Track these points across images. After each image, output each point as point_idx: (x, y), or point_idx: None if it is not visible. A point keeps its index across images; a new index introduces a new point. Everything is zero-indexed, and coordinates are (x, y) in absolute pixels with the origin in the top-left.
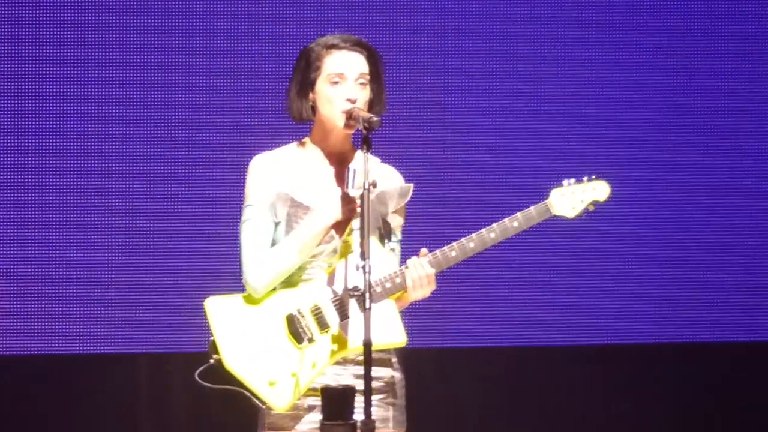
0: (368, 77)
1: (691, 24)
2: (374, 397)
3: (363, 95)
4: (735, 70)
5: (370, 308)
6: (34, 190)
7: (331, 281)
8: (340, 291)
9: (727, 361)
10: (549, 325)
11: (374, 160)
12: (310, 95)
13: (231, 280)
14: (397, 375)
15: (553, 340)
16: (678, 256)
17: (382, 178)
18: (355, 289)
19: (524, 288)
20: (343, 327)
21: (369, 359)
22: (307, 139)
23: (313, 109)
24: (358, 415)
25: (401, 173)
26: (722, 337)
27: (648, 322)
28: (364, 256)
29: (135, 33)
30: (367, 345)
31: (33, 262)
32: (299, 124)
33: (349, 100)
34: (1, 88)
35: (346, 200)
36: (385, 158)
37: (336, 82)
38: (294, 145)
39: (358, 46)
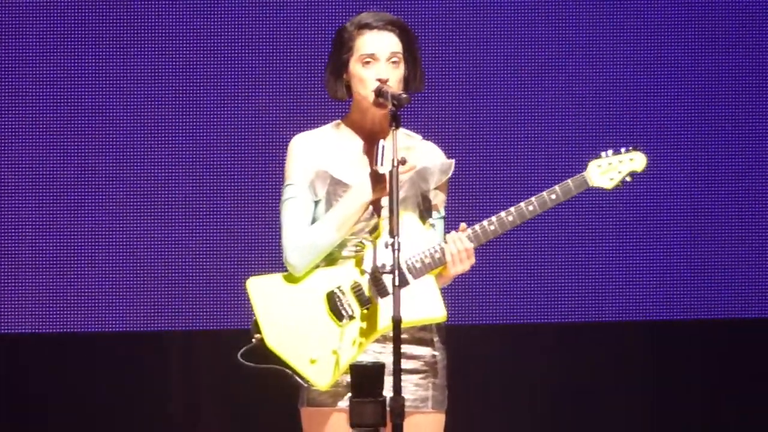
0: (401, 56)
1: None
2: (414, 377)
3: (395, 74)
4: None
5: (398, 285)
6: (70, 169)
7: (370, 258)
8: (379, 268)
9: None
10: (589, 300)
11: (415, 137)
12: (345, 75)
13: (269, 258)
14: (439, 354)
15: (592, 316)
16: (712, 231)
17: (422, 155)
18: (384, 266)
19: (561, 263)
20: (383, 304)
21: (398, 336)
22: (345, 118)
23: (349, 88)
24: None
25: (440, 148)
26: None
27: (682, 298)
28: (392, 233)
29: (176, 12)
30: (396, 322)
31: (65, 242)
32: (336, 102)
33: (379, 80)
34: (37, 74)
35: (379, 178)
36: (424, 134)
37: (368, 62)
38: (333, 124)
39: (390, 24)
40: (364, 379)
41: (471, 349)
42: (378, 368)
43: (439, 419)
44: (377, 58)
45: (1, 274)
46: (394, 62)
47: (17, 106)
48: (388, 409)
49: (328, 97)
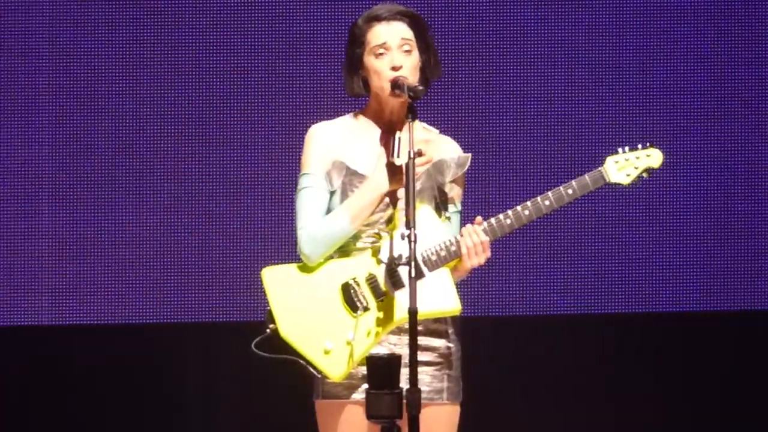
0: (412, 43)
1: None
2: (429, 369)
3: (408, 61)
4: None
5: (415, 277)
6: (88, 158)
7: (386, 250)
8: (395, 259)
9: None
10: (607, 292)
11: (433, 131)
12: (360, 71)
13: (284, 248)
14: (453, 346)
15: (607, 308)
16: (729, 223)
17: (439, 148)
18: (401, 254)
19: (578, 255)
20: (398, 296)
21: (414, 327)
22: (363, 110)
23: (366, 84)
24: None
25: (457, 142)
26: None
27: (696, 290)
28: (408, 224)
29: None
30: (413, 313)
31: (81, 232)
32: (354, 98)
33: (394, 68)
34: (67, 59)
35: (395, 169)
36: (441, 128)
37: (381, 54)
38: (351, 115)
39: (399, 14)
40: (381, 371)
41: (486, 341)
42: (394, 360)
43: (454, 411)
44: (389, 47)
45: (20, 266)
46: (406, 50)
47: (42, 103)
48: (404, 401)
49: (345, 89)
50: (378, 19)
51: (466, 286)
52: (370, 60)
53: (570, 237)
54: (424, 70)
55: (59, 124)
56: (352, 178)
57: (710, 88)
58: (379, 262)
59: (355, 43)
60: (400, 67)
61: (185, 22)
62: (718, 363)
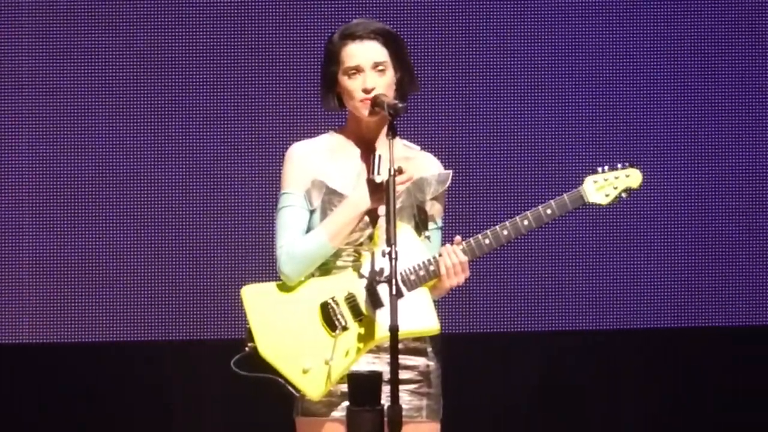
0: (386, 63)
1: (730, 10)
2: (408, 387)
3: (382, 81)
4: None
5: (396, 294)
6: (72, 178)
7: (365, 269)
8: (376, 277)
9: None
10: (584, 309)
11: (414, 148)
12: (336, 87)
13: (264, 267)
14: (433, 364)
15: (590, 324)
16: (711, 240)
17: (420, 166)
18: (381, 272)
19: (555, 273)
20: (378, 315)
21: (395, 345)
22: (342, 128)
23: (341, 99)
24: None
25: (438, 159)
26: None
27: (678, 306)
28: (389, 242)
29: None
30: (394, 330)
31: (64, 251)
32: (332, 114)
33: (365, 90)
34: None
35: (376, 187)
36: (422, 145)
37: (353, 74)
38: (330, 133)
39: (373, 32)
40: (362, 388)
41: (465, 358)
42: (375, 377)
43: (434, 428)
44: (362, 69)
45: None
46: (379, 70)
47: (41, 112)
48: (385, 418)
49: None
50: (352, 37)
51: (445, 303)
52: (343, 79)
53: (551, 253)
54: (400, 87)
55: (53, 140)
56: (331, 197)
57: (696, 105)
58: (362, 275)
59: (330, 60)
60: (373, 89)
61: (165, 37)
62: (721, 380)
